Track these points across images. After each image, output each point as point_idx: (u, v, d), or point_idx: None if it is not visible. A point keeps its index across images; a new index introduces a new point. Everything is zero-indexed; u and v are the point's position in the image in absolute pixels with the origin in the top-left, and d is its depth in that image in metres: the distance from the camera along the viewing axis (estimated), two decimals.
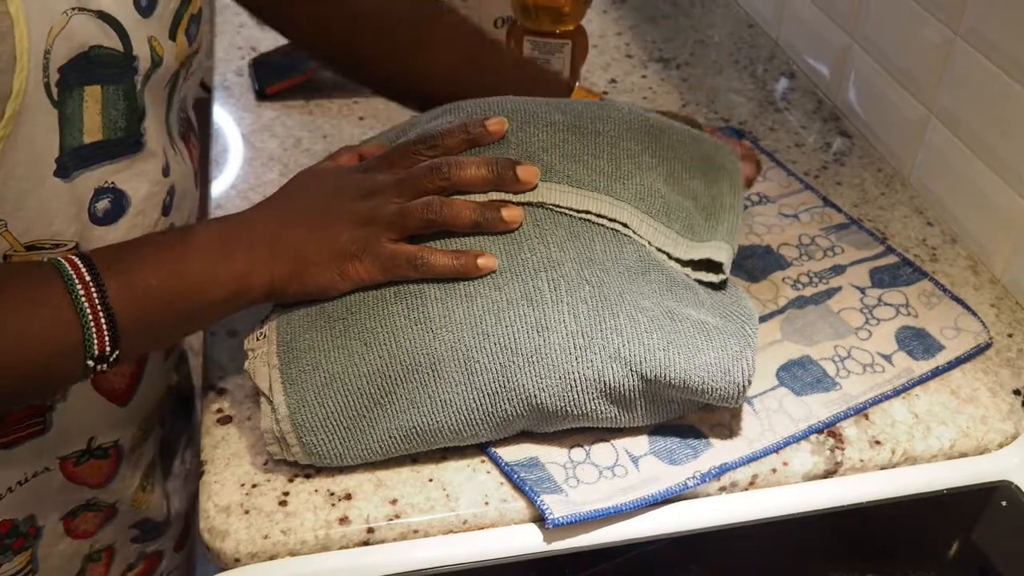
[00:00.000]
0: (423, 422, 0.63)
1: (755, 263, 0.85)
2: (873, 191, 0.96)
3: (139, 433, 0.75)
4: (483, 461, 0.67)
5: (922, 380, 0.75)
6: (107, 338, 0.55)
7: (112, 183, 0.60)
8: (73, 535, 0.74)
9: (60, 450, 0.69)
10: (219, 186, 0.93)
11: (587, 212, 0.68)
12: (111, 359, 0.56)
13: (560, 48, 0.93)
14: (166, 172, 0.65)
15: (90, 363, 0.55)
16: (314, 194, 0.66)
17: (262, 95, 1.06)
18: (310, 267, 0.63)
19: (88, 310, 0.54)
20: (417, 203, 0.64)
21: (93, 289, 0.54)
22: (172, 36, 0.62)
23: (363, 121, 1.03)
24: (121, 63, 0.57)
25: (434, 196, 0.64)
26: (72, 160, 0.57)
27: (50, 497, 0.70)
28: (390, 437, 0.64)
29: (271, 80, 1.07)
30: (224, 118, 1.04)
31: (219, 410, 0.71)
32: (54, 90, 0.54)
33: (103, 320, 0.55)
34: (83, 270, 0.55)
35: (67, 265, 0.55)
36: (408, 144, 0.68)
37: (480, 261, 0.64)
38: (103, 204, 0.61)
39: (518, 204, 0.67)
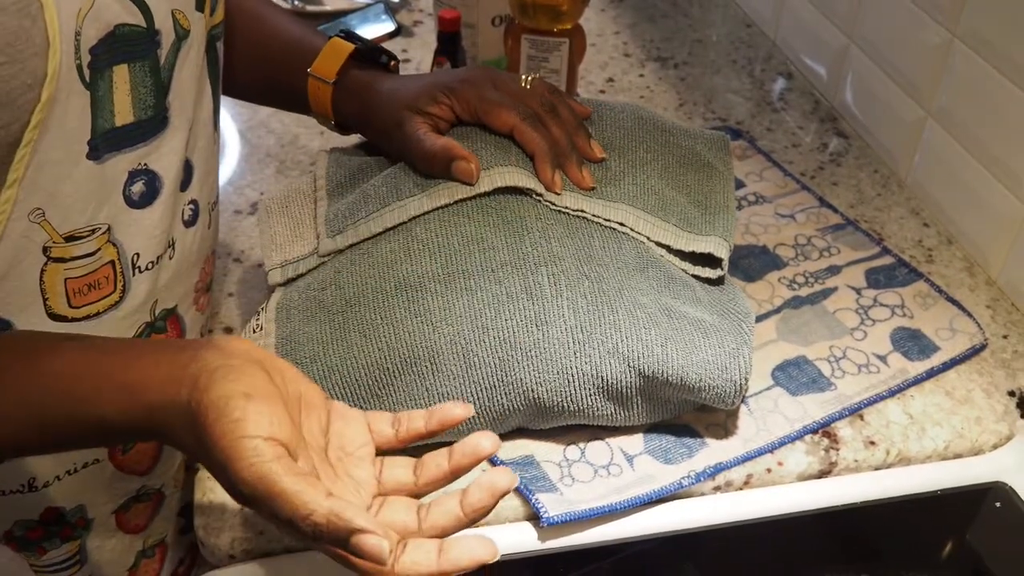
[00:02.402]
0: None
1: (751, 263, 0.85)
2: (869, 192, 0.96)
3: None
4: None
5: (917, 381, 0.75)
6: None
7: (145, 164, 0.61)
8: (125, 529, 0.74)
9: None
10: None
11: (581, 211, 0.69)
12: None
13: (558, 46, 0.93)
14: (188, 147, 0.65)
15: None
16: None
17: None
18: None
19: None
20: None
21: None
22: (200, 7, 0.62)
23: None
24: (145, 39, 0.57)
25: None
26: (104, 143, 0.57)
27: (101, 489, 0.71)
28: None
29: None
30: (221, 114, 1.03)
31: None
32: (86, 72, 0.54)
33: None
34: None
35: None
36: None
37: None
38: (138, 187, 0.61)
39: (524, 193, 0.68)
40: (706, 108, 1.07)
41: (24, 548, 0.69)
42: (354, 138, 0.79)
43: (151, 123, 0.60)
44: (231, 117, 1.03)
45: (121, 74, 0.56)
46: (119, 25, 0.55)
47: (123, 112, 0.57)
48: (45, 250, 0.58)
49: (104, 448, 0.69)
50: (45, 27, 0.50)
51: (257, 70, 0.78)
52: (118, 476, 0.71)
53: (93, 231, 0.59)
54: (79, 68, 0.53)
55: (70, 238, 0.58)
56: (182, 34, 0.61)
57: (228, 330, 0.77)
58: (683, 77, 1.13)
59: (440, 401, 0.63)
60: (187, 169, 0.65)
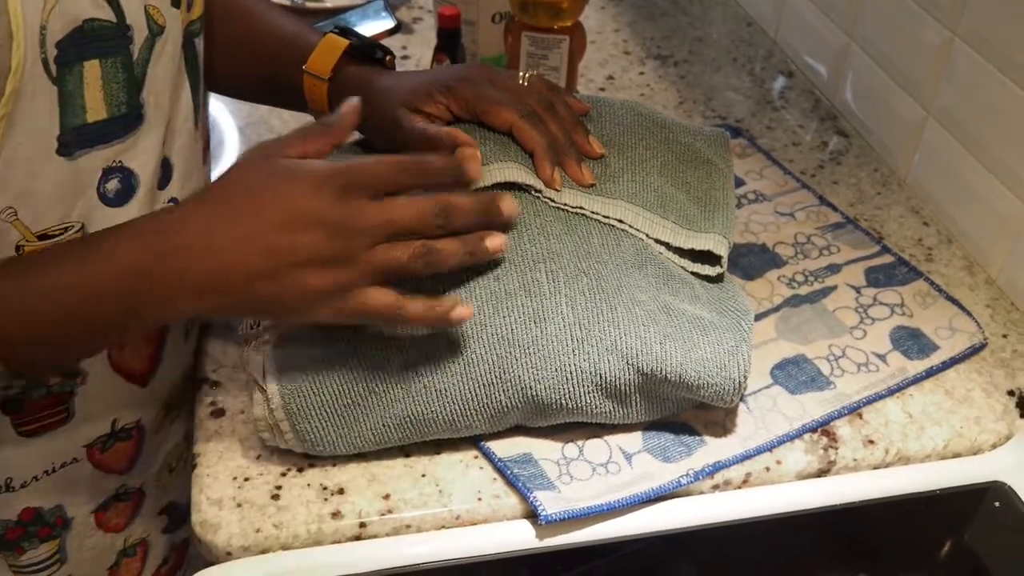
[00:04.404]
0: (417, 412, 0.63)
1: (750, 261, 0.84)
2: (869, 191, 0.96)
3: (162, 414, 0.75)
4: (476, 456, 0.67)
5: (916, 380, 0.75)
6: None
7: (120, 162, 0.60)
8: (105, 528, 0.74)
9: (85, 437, 0.69)
10: (214, 179, 0.93)
11: (580, 208, 0.69)
12: None
13: (558, 44, 0.93)
14: (166, 144, 0.64)
15: None
16: (274, 211, 0.55)
17: None
18: (263, 311, 0.60)
19: None
20: (406, 255, 0.57)
21: None
22: (175, 3, 0.62)
23: None
24: (115, 35, 0.57)
25: (419, 244, 0.57)
26: (75, 139, 0.57)
27: (79, 488, 0.71)
28: (384, 426, 0.64)
29: None
30: (220, 111, 1.03)
31: (212, 403, 0.71)
32: (52, 67, 0.54)
33: None
34: None
35: None
36: (390, 171, 0.58)
37: (454, 314, 0.59)
38: (113, 184, 0.61)
39: (523, 189, 0.68)
40: (706, 106, 1.07)
41: (2, 548, 0.69)
42: (353, 136, 0.79)
43: (125, 120, 0.59)
44: (230, 113, 1.03)
45: (92, 70, 0.56)
46: (87, 20, 0.55)
47: (95, 108, 0.57)
48: (18, 249, 0.57)
49: (81, 448, 0.69)
50: (8, 20, 0.50)
51: (252, 68, 0.78)
52: (97, 475, 0.71)
53: (66, 229, 0.58)
54: (45, 62, 0.53)
55: (43, 236, 0.58)
56: (156, 30, 0.60)
57: (227, 326, 0.77)
58: (683, 75, 1.13)
59: (437, 398, 0.63)
60: (165, 167, 0.65)
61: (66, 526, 0.71)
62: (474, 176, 0.61)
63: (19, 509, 0.68)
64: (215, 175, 0.93)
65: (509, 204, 0.61)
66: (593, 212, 0.69)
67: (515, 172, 0.68)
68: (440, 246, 0.58)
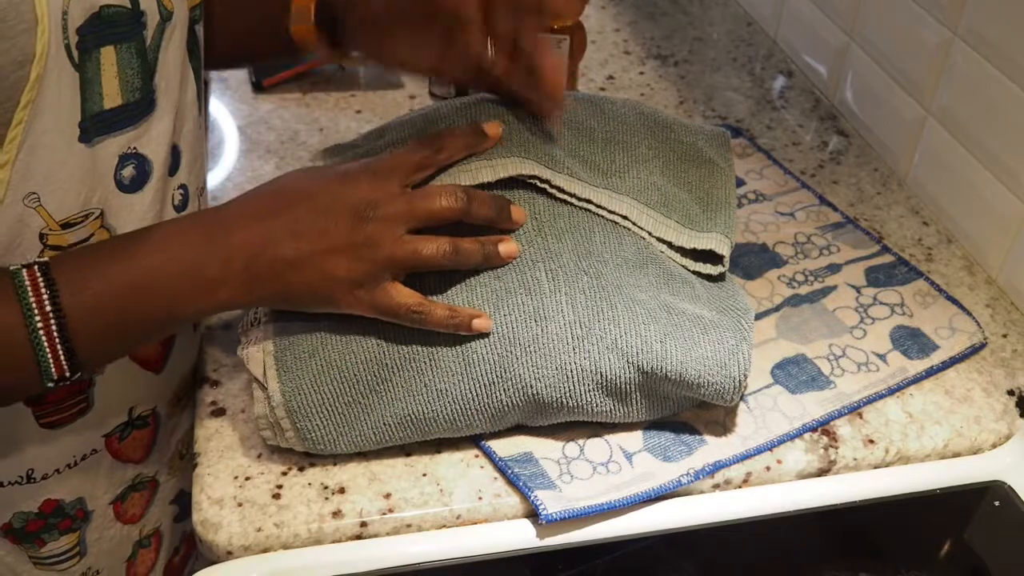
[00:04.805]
0: (418, 411, 0.63)
1: (751, 261, 0.85)
2: (869, 190, 0.96)
3: (174, 400, 0.76)
4: (477, 455, 0.67)
5: (916, 379, 0.75)
6: (65, 365, 0.55)
7: (135, 148, 0.61)
8: (123, 520, 0.75)
9: (104, 427, 0.69)
10: (215, 178, 0.93)
11: (588, 201, 0.68)
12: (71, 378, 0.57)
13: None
14: (175, 131, 0.65)
15: (49, 384, 0.56)
16: (304, 203, 0.60)
17: (259, 87, 1.06)
18: (293, 299, 0.61)
19: (47, 346, 0.54)
20: (430, 250, 0.61)
21: (52, 322, 0.54)
22: None
23: (360, 115, 1.03)
24: (129, 20, 0.58)
25: (445, 241, 0.61)
26: (93, 126, 0.58)
27: (99, 480, 0.71)
28: (385, 425, 0.64)
29: (268, 72, 1.06)
30: (220, 110, 1.03)
31: (213, 402, 0.71)
32: (75, 52, 0.54)
33: (61, 352, 0.55)
34: (44, 294, 0.54)
35: (29, 286, 0.54)
36: (411, 153, 0.63)
37: (476, 323, 0.62)
38: (128, 171, 0.61)
39: (528, 178, 0.67)
40: (706, 106, 1.07)
41: (23, 540, 0.69)
42: (352, 135, 0.79)
43: (138, 106, 0.60)
44: (230, 113, 1.03)
45: (108, 56, 0.57)
46: (104, 6, 0.56)
47: (111, 94, 0.58)
48: (42, 237, 0.58)
49: (100, 438, 0.69)
50: (34, 4, 0.51)
51: (233, 17, 0.77)
52: (115, 465, 0.71)
53: (87, 216, 0.59)
54: (67, 48, 0.54)
55: (66, 225, 0.58)
56: (166, 15, 0.61)
57: (227, 326, 0.77)
58: (683, 75, 1.13)
59: (438, 397, 0.63)
60: (175, 154, 0.66)
61: (86, 518, 0.71)
62: (491, 132, 0.66)
63: (40, 501, 0.68)
64: (215, 170, 0.94)
65: (519, 213, 0.66)
66: (599, 206, 0.69)
67: (519, 165, 0.67)
68: (464, 246, 0.62)
